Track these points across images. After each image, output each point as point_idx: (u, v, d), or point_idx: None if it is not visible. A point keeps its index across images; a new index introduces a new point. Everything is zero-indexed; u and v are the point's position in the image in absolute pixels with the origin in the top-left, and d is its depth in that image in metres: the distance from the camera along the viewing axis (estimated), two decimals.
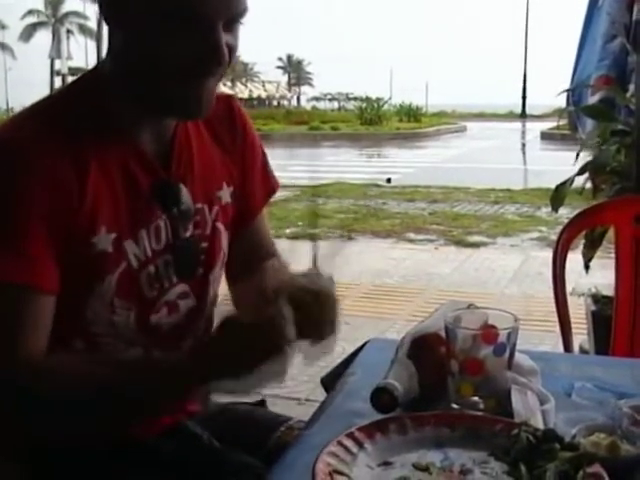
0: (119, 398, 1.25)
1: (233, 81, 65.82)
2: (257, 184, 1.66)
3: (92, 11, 68.29)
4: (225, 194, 1.56)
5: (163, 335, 1.47)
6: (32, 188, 1.26)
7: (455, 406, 1.34)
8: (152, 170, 1.42)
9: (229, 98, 1.63)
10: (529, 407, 1.31)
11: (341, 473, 1.14)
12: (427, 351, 1.41)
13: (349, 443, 1.21)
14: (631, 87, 3.93)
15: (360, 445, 1.21)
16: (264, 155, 1.69)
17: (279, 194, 1.79)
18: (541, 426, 1.26)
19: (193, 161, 1.49)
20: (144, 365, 1.33)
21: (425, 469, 1.17)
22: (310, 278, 1.30)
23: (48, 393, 1.24)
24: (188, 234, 1.47)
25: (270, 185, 1.70)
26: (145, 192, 1.41)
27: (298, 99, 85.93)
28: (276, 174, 1.72)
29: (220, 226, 1.55)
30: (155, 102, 1.36)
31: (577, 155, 4.02)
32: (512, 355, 1.34)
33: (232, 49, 1.33)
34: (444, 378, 1.35)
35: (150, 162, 1.42)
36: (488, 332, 1.33)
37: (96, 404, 1.24)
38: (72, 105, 1.38)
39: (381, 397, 1.33)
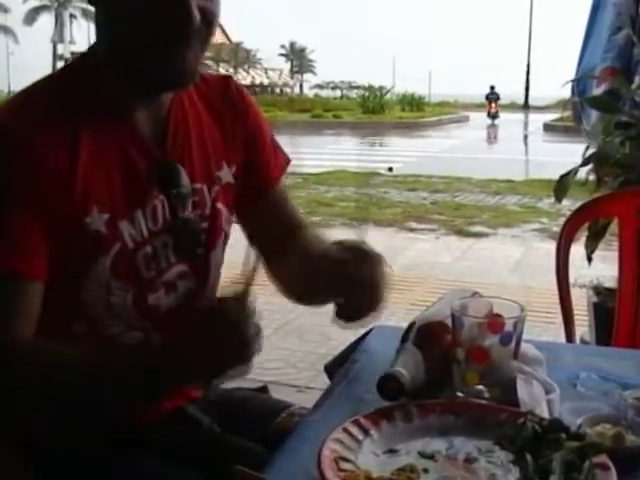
0: (89, 390, 1.25)
1: (235, 68, 65.67)
2: (269, 157, 1.65)
3: None
4: (226, 174, 1.56)
5: (162, 316, 1.46)
6: (22, 173, 1.27)
7: (460, 394, 1.34)
8: (148, 151, 1.42)
9: (227, 78, 1.63)
10: (534, 396, 1.30)
11: (347, 460, 1.14)
12: (433, 339, 1.41)
13: (355, 430, 1.21)
14: (636, 79, 3.92)
15: (366, 432, 1.21)
16: (271, 131, 1.68)
17: None
18: (546, 416, 1.25)
19: (191, 141, 1.49)
20: (112, 362, 1.28)
21: (430, 457, 1.17)
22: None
23: (29, 377, 1.24)
24: (187, 214, 1.47)
25: (282, 159, 1.69)
26: (141, 173, 1.41)
27: (301, 87, 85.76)
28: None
29: (221, 206, 1.54)
30: (139, 74, 1.37)
31: (586, 149, 4.00)
32: (518, 344, 1.34)
33: (211, 14, 1.34)
34: (450, 366, 1.35)
35: (146, 143, 1.42)
36: (495, 321, 1.33)
37: (70, 392, 1.25)
38: (65, 88, 1.39)
39: (388, 384, 1.33)
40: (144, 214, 1.41)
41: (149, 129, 1.44)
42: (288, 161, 1.70)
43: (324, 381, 1.68)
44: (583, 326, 3.97)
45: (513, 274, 6.49)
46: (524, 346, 1.41)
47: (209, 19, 1.34)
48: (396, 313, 5.17)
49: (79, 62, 1.45)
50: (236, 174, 1.57)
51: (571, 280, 2.52)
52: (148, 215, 1.42)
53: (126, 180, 1.39)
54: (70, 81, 1.41)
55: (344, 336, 1.76)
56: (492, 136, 28.54)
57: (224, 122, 1.57)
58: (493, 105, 35.59)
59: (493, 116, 34.97)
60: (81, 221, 1.33)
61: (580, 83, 4.44)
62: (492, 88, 36.24)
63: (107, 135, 1.38)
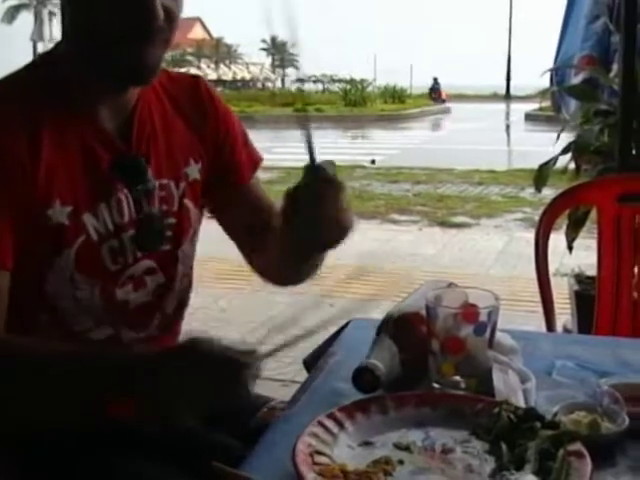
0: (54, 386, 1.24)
1: (217, 63, 65.48)
2: (240, 155, 1.65)
3: None
4: (193, 170, 1.56)
5: (131, 312, 1.47)
6: None
7: (436, 385, 1.34)
8: (111, 145, 1.43)
9: (195, 78, 1.64)
10: (510, 386, 1.30)
11: (322, 453, 1.14)
12: (408, 330, 1.41)
13: (330, 423, 1.20)
14: (614, 67, 3.93)
15: (341, 425, 1.21)
16: (243, 130, 1.68)
17: (264, 176, 1.78)
18: (522, 405, 1.26)
19: (156, 137, 1.50)
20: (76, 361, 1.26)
21: (406, 448, 1.17)
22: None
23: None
24: (153, 209, 1.47)
25: (254, 157, 1.69)
26: (104, 166, 1.41)
27: (282, 81, 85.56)
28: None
29: (188, 203, 1.55)
30: (101, 69, 1.37)
31: (558, 135, 4.02)
32: (493, 334, 1.34)
33: (173, 13, 1.35)
34: (425, 357, 1.35)
35: (109, 137, 1.43)
36: (469, 311, 1.33)
37: (38, 388, 1.24)
38: (29, 83, 1.40)
39: (363, 377, 1.32)
40: (109, 207, 1.41)
41: (114, 124, 1.44)
42: (260, 159, 1.71)
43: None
44: (566, 314, 3.98)
45: (497, 264, 6.51)
46: (500, 335, 1.41)
47: (171, 18, 1.35)
48: (380, 306, 5.19)
49: (44, 58, 1.46)
50: (202, 169, 1.57)
51: (553, 269, 2.52)
52: (113, 208, 1.42)
53: (89, 174, 1.39)
54: (34, 76, 1.42)
55: (329, 330, 1.75)
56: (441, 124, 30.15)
57: (191, 120, 1.57)
58: (442, 94, 42.16)
59: (442, 102, 40.86)
60: (43, 213, 1.33)
61: (559, 72, 4.45)
62: (435, 80, 43.06)
63: (70, 129, 1.38)
